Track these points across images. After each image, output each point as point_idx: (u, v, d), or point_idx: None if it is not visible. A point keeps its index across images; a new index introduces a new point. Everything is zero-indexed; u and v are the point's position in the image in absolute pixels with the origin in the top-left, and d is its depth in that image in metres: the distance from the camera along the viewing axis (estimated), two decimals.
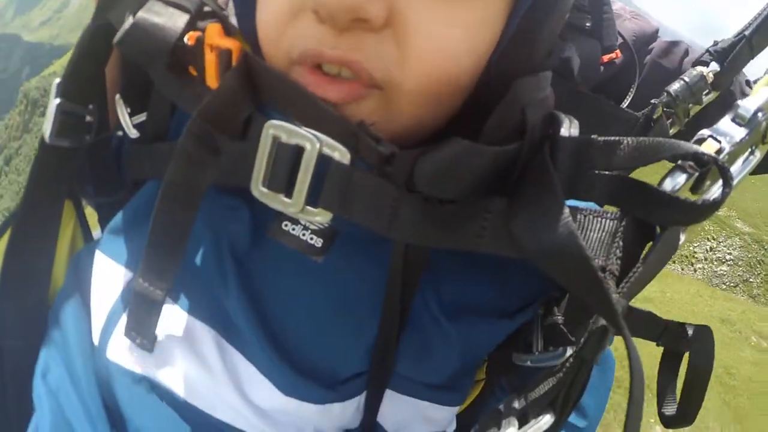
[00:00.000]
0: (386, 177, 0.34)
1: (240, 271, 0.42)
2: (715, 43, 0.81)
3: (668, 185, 0.37)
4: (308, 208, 0.34)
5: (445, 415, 0.49)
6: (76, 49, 0.46)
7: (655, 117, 0.76)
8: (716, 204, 0.34)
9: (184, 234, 0.38)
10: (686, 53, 1.04)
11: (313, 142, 0.33)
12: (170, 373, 0.42)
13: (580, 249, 0.31)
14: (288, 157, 0.34)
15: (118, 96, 0.48)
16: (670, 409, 0.40)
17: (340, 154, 0.33)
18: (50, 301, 0.53)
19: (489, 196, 0.35)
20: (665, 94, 0.76)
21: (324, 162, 0.34)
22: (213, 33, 0.38)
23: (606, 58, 0.98)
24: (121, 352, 0.43)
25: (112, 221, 0.48)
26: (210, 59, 0.38)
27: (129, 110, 0.48)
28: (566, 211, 0.32)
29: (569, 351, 0.40)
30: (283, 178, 0.34)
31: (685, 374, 0.41)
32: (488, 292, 0.45)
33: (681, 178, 0.37)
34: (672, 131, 0.82)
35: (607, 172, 0.36)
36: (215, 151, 0.37)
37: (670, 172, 0.38)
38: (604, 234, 0.36)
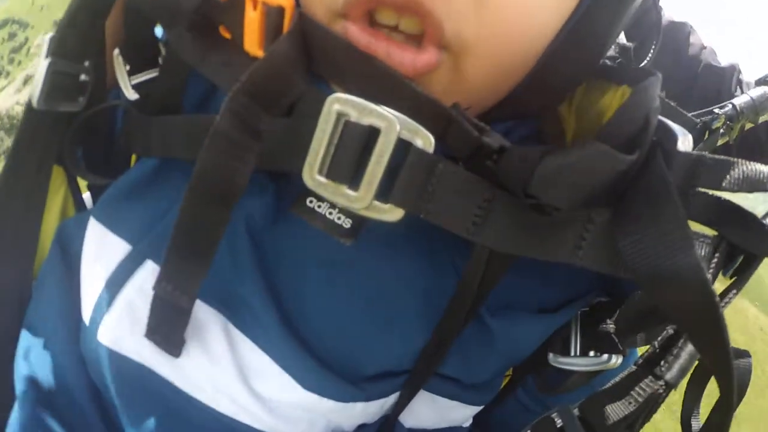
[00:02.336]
0: (477, 172, 0.30)
1: (256, 250, 0.37)
2: None
3: None
4: (376, 203, 0.29)
5: (468, 414, 0.46)
6: None
7: (713, 127, 0.77)
8: None
9: (217, 235, 0.33)
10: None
11: (392, 122, 0.28)
12: (169, 361, 0.37)
13: (704, 285, 0.28)
14: (357, 141, 0.28)
15: (116, 51, 0.41)
16: (695, 424, 0.40)
17: (424, 140, 0.28)
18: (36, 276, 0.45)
19: (593, 205, 0.31)
20: (730, 106, 0.77)
21: (401, 149, 0.28)
22: None
23: None
24: (114, 334, 0.38)
25: (110, 188, 0.42)
26: (252, 19, 0.32)
27: (128, 68, 0.41)
28: (691, 239, 0.29)
29: (614, 358, 0.40)
30: (348, 166, 0.29)
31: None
32: (530, 287, 0.41)
33: None
34: (719, 142, 0.84)
35: (703, 190, 0.33)
36: (257, 134, 0.31)
37: None
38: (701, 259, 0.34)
